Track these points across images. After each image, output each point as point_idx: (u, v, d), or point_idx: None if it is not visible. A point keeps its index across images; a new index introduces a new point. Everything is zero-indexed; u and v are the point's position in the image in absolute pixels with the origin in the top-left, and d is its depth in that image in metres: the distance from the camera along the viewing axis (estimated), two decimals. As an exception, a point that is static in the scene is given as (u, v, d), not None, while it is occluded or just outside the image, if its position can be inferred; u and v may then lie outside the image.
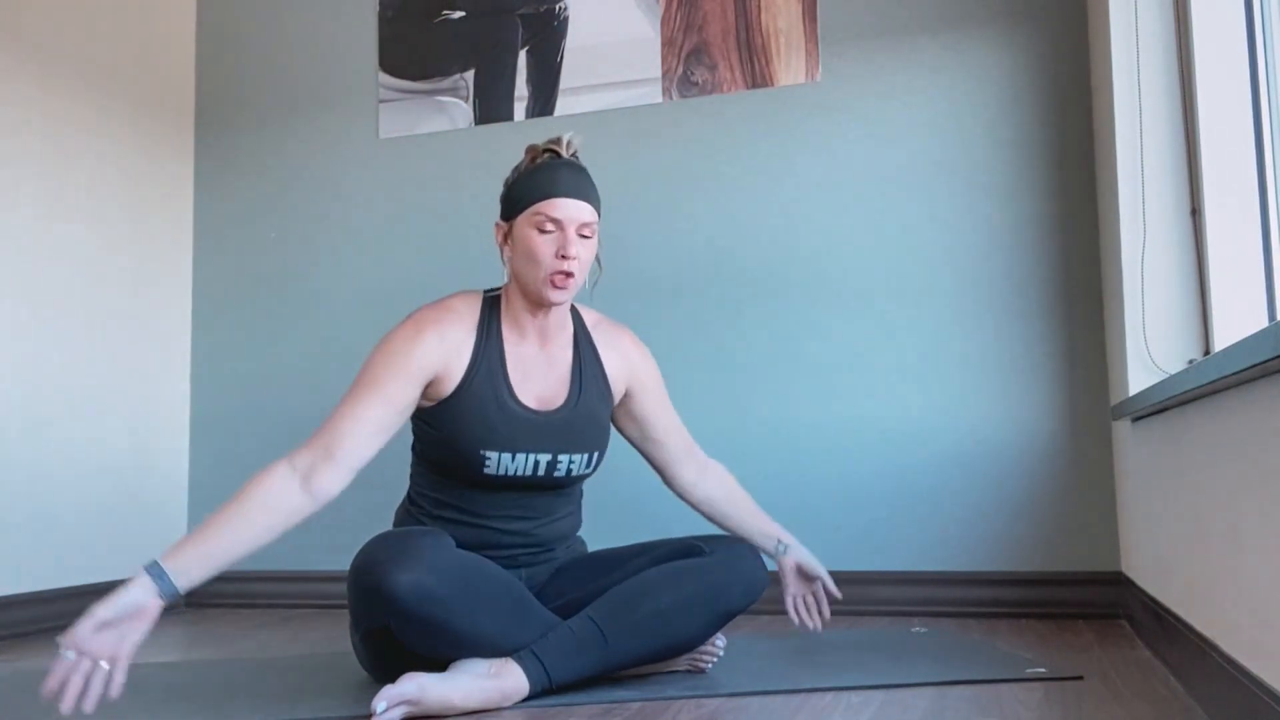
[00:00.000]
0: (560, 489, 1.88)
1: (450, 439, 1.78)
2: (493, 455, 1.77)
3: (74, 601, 2.78)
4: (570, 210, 1.76)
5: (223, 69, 3.37)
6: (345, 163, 3.22)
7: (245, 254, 3.28)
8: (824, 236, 2.79)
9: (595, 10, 3.01)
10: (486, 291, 1.88)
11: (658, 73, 2.94)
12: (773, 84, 2.85)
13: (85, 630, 1.44)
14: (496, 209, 3.05)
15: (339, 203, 3.21)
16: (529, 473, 1.81)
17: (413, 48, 3.17)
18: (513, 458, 1.79)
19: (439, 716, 1.56)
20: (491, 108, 3.08)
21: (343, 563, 3.13)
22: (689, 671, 1.86)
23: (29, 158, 2.74)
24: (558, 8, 3.04)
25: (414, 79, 3.16)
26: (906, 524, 2.66)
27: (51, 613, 2.71)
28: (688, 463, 2.02)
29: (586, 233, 1.78)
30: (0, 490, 2.61)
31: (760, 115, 2.86)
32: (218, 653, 2.29)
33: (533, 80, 3.05)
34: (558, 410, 1.83)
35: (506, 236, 1.83)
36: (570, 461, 1.84)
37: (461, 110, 3.11)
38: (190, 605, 3.18)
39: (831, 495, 2.72)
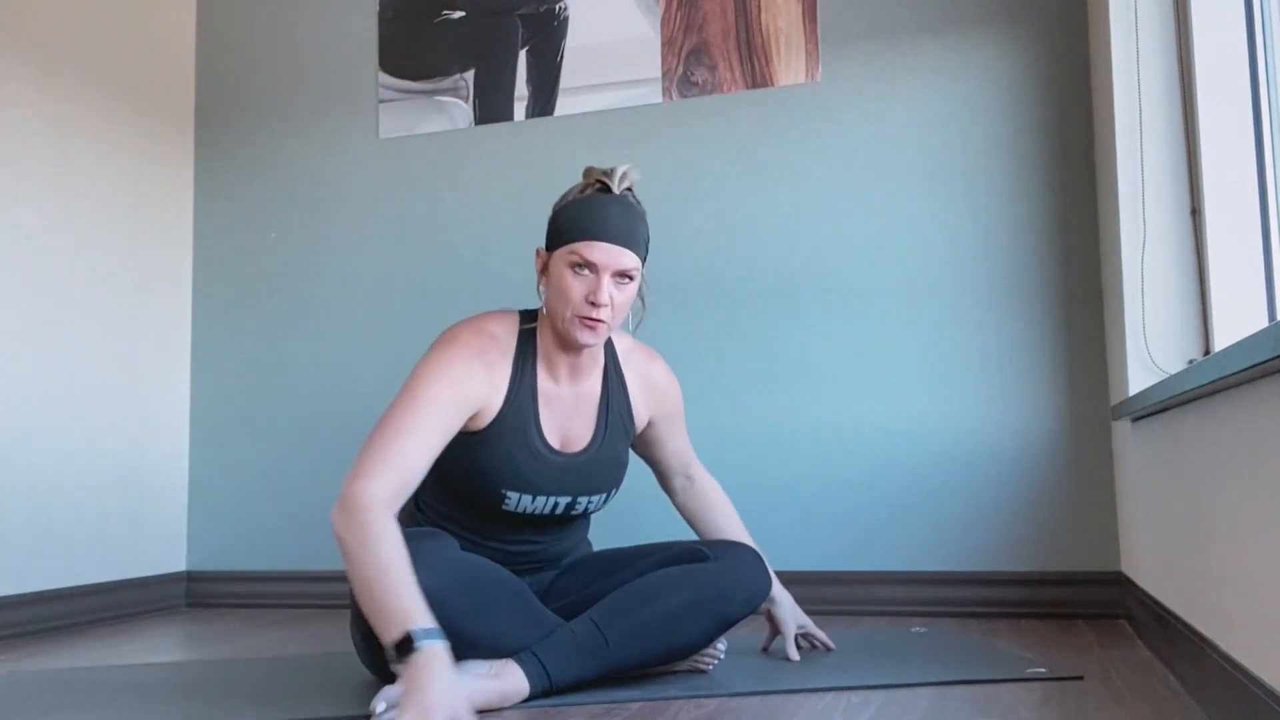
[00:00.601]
0: (574, 520, 1.89)
1: (472, 472, 1.76)
2: (513, 495, 1.77)
3: (74, 601, 2.78)
4: (608, 255, 1.69)
5: (223, 69, 3.37)
6: (345, 163, 3.22)
7: (245, 254, 3.28)
8: (824, 236, 2.79)
9: (595, 10, 3.01)
10: (522, 316, 1.83)
11: (658, 73, 2.94)
12: (773, 84, 2.85)
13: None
14: (496, 209, 3.07)
15: (339, 203, 3.21)
16: (547, 512, 1.82)
17: (413, 48, 3.17)
18: (533, 499, 1.79)
19: None
20: (491, 108, 3.08)
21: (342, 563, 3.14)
22: (689, 672, 1.86)
23: (29, 158, 2.74)
24: (558, 8, 3.04)
25: (414, 79, 3.16)
26: (906, 524, 2.66)
27: (51, 613, 2.71)
28: (679, 476, 2.06)
29: (625, 278, 1.72)
30: (0, 490, 2.61)
31: (760, 115, 2.86)
32: (218, 653, 2.29)
33: (533, 80, 3.05)
34: (581, 452, 1.82)
35: (545, 267, 1.78)
36: (589, 501, 1.85)
37: (461, 110, 3.11)
38: (190, 605, 3.18)
39: (831, 495, 2.72)
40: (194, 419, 3.27)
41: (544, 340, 1.80)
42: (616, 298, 1.71)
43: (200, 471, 3.24)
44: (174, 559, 3.17)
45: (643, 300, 1.84)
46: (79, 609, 2.78)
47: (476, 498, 1.78)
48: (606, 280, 1.70)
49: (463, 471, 1.76)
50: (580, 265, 1.70)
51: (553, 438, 1.80)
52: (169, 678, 1.95)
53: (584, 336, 1.72)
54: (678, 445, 2.03)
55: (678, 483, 2.06)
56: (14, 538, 2.64)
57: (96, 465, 2.89)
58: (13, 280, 2.68)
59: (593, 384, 1.85)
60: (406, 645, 1.39)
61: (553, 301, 1.74)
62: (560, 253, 1.72)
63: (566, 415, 1.82)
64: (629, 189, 1.77)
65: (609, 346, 1.90)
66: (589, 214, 1.71)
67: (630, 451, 1.97)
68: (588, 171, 1.78)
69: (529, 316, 1.84)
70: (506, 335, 1.79)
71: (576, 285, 1.70)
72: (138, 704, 1.72)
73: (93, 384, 2.90)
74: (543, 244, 1.80)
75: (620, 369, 1.90)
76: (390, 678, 1.62)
